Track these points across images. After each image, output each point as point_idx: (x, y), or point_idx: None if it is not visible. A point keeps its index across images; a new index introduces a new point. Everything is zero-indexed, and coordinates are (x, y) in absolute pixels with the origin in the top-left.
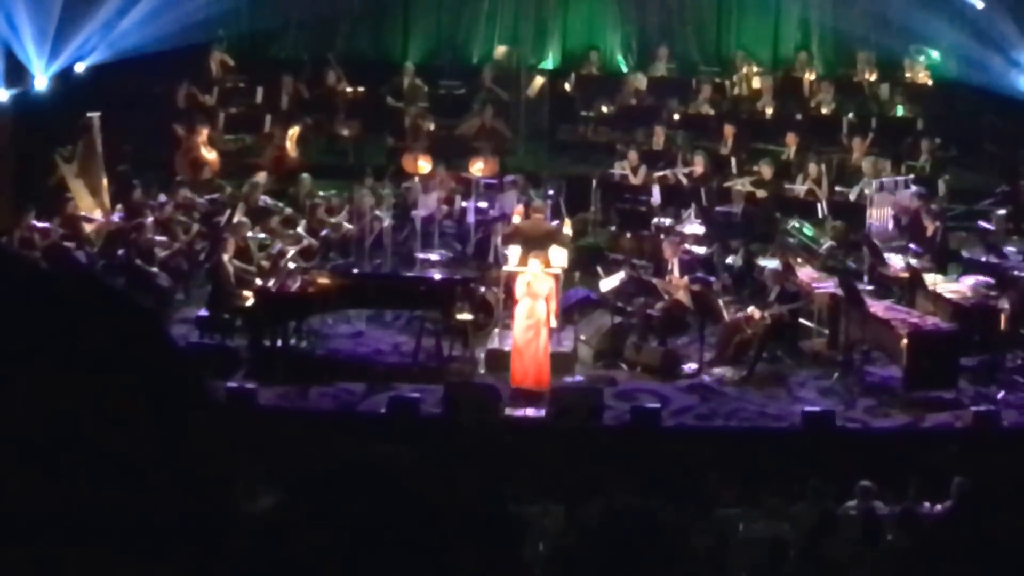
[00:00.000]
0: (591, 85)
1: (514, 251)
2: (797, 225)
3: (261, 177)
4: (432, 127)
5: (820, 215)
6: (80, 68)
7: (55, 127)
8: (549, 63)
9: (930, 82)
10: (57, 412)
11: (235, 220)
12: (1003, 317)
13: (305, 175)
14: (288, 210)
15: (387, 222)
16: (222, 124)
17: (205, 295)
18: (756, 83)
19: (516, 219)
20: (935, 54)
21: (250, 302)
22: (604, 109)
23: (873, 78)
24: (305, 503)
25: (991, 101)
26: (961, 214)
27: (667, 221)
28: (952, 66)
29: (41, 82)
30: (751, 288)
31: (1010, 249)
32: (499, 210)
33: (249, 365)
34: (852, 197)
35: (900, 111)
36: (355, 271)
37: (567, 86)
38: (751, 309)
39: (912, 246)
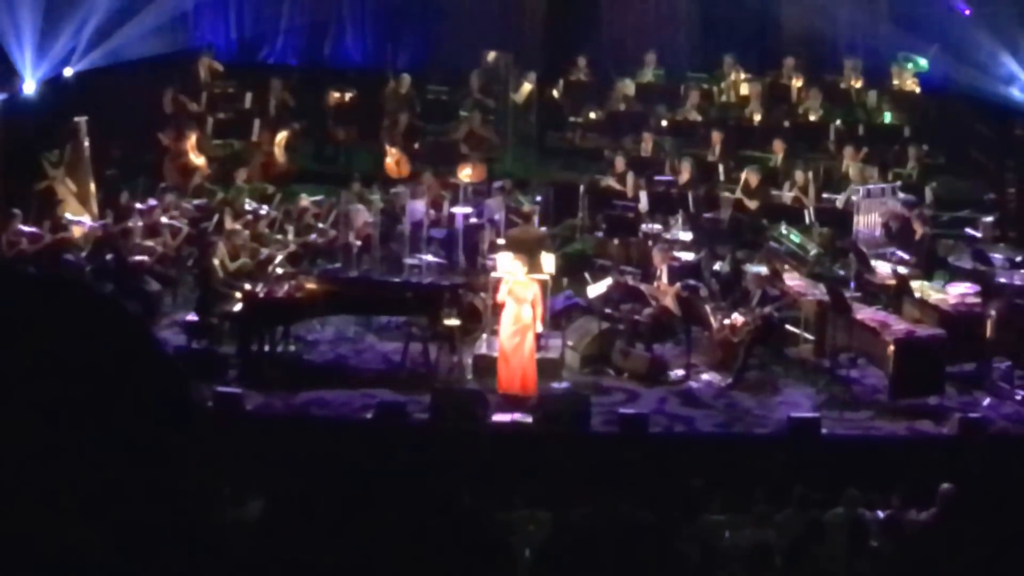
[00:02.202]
0: (579, 91)
1: (503, 257)
2: (784, 232)
3: (242, 178)
4: (420, 133)
5: (807, 222)
6: (68, 72)
7: (43, 131)
8: (537, 69)
9: (918, 89)
10: (43, 416)
11: (227, 226)
12: (989, 324)
13: (304, 195)
14: (273, 212)
15: (375, 228)
16: (211, 129)
17: (193, 300)
18: (744, 90)
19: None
20: (923, 62)
21: (238, 307)
22: (592, 115)
23: (860, 85)
24: (293, 509)
25: (978, 109)
26: (948, 221)
27: (655, 228)
28: (939, 74)
29: (29, 86)
30: (737, 295)
31: (997, 256)
32: (487, 216)
33: (237, 370)
34: (839, 204)
35: (887, 118)
36: (342, 276)
37: (555, 92)
38: (735, 316)
39: (899, 253)
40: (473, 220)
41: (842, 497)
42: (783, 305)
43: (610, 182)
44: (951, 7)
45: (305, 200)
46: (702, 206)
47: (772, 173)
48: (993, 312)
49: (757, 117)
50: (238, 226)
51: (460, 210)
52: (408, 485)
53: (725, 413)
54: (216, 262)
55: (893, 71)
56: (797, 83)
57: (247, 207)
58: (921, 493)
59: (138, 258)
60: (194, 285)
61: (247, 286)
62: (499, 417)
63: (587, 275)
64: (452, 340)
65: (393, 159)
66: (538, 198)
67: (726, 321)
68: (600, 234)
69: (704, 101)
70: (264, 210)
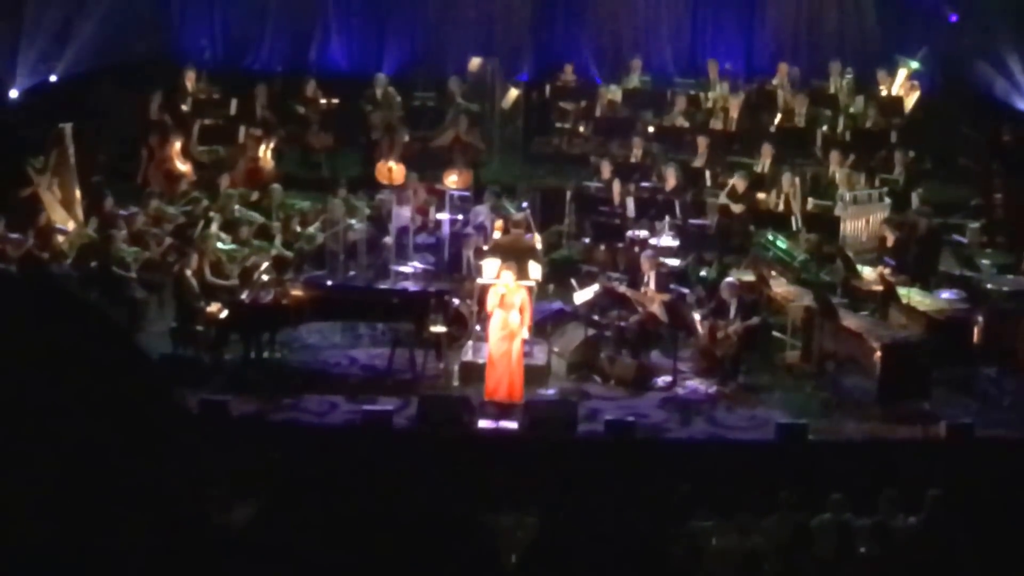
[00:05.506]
0: (565, 97)
1: (489, 264)
2: (771, 238)
3: (227, 184)
4: (406, 138)
5: (794, 228)
6: (53, 78)
7: (27, 138)
8: (524, 75)
9: (917, 92)
10: (28, 419)
11: (204, 232)
12: (976, 330)
13: (276, 185)
14: (260, 217)
15: (361, 234)
16: (196, 135)
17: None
18: (730, 95)
19: (496, 234)
20: (914, 64)
21: (224, 314)
22: (579, 121)
23: (846, 90)
24: (280, 514)
25: (965, 113)
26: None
27: (641, 233)
28: (927, 78)
29: (14, 93)
30: (713, 305)
31: (984, 262)
32: (473, 222)
33: (223, 377)
34: (837, 211)
35: (874, 123)
36: (328, 283)
37: (538, 97)
38: (697, 315)
39: (887, 259)
40: (460, 227)
41: (829, 503)
42: (765, 313)
43: (600, 182)
44: (938, 12)
45: (279, 193)
46: (689, 212)
47: (759, 179)
48: (980, 318)
49: (744, 123)
50: (212, 232)
51: (447, 216)
52: (394, 491)
53: (712, 419)
54: (188, 272)
55: (880, 76)
56: (784, 88)
57: (237, 213)
58: (909, 499)
59: (125, 265)
60: (171, 293)
61: (219, 300)
62: (485, 423)
63: (573, 281)
64: (438, 346)
65: (387, 167)
66: (524, 204)
67: (711, 327)
68: (587, 240)
69: (691, 107)
70: (251, 215)
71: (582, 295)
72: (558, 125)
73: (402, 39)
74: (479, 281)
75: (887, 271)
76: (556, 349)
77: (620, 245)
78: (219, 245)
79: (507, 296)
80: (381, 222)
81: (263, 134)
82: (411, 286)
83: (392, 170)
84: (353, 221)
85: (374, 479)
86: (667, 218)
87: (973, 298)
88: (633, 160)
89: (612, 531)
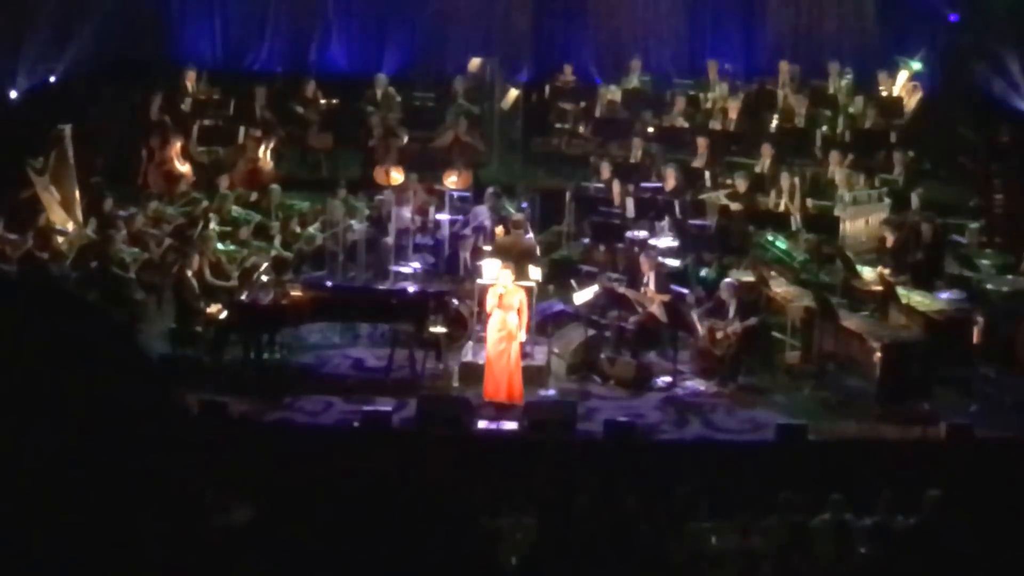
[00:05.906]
0: (565, 97)
1: (489, 264)
2: (771, 239)
3: (226, 185)
4: (405, 139)
5: (793, 228)
6: (53, 79)
7: (27, 138)
8: (523, 75)
9: (920, 93)
10: (28, 419)
11: (204, 233)
12: (976, 330)
13: (275, 186)
14: (258, 217)
15: (360, 234)
16: (195, 136)
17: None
18: (729, 95)
19: (498, 235)
20: (915, 65)
21: (224, 315)
22: (578, 122)
23: (845, 90)
24: (279, 515)
25: (965, 114)
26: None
27: (641, 234)
28: (927, 78)
29: (13, 93)
30: (711, 305)
31: (984, 262)
32: (473, 223)
33: (222, 378)
34: (836, 211)
35: (874, 124)
36: (328, 283)
37: (538, 98)
38: (697, 315)
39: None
40: (459, 227)
41: (828, 503)
42: (765, 313)
43: (599, 182)
44: (938, 12)
45: (277, 194)
46: (689, 212)
47: (759, 179)
48: (980, 318)
49: (743, 123)
50: (211, 232)
51: (447, 217)
52: (393, 492)
53: (711, 420)
54: (189, 273)
55: (881, 77)
56: (784, 89)
57: (234, 213)
58: (908, 499)
59: (124, 266)
60: (171, 293)
61: (219, 301)
62: (484, 424)
63: (573, 282)
64: (438, 347)
65: (384, 171)
66: (524, 204)
67: (710, 327)
68: (586, 240)
69: (690, 107)
70: (250, 214)
71: (582, 295)
72: (557, 125)
73: (402, 39)
74: (479, 282)
75: (887, 271)
76: (556, 349)
77: (620, 245)
78: (219, 246)
79: (505, 297)
80: (381, 223)
81: (263, 135)
82: (410, 287)
83: (390, 176)
84: (353, 222)
85: (373, 479)
86: (667, 218)
87: (973, 298)
88: (633, 160)
89: (611, 532)
